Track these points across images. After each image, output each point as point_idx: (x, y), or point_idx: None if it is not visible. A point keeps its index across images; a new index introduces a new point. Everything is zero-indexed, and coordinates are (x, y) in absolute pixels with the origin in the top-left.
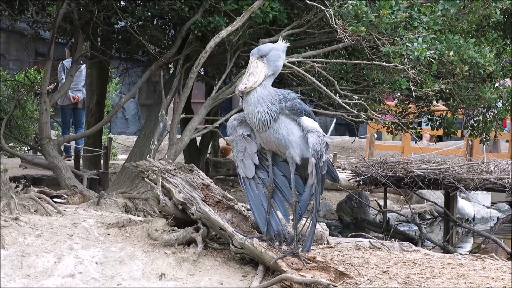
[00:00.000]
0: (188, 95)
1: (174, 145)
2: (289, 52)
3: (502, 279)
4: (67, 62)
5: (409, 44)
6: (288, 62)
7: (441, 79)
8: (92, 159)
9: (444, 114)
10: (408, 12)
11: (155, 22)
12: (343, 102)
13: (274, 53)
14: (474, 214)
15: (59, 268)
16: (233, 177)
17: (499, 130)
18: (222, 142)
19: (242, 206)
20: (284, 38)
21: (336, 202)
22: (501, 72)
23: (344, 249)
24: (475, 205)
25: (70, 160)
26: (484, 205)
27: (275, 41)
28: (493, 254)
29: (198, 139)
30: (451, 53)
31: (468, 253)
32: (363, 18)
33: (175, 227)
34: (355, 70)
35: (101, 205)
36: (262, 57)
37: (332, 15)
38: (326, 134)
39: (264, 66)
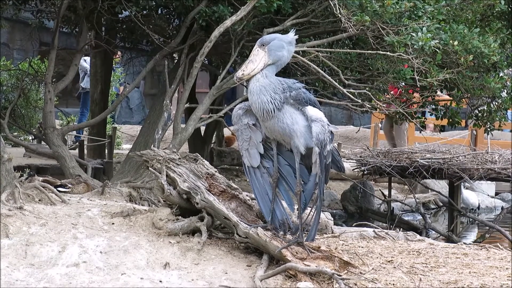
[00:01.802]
0: (192, 85)
1: (178, 134)
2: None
3: (507, 268)
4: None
5: (413, 34)
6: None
7: (445, 68)
8: (96, 149)
9: (449, 104)
10: (413, 1)
11: (159, 12)
12: (347, 91)
13: (276, 42)
14: (479, 204)
15: (63, 257)
16: (237, 167)
17: (503, 120)
18: (226, 132)
19: (247, 196)
20: (288, 27)
21: (341, 191)
22: (505, 62)
23: (348, 239)
24: (479, 195)
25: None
26: (488, 195)
27: (279, 31)
28: (498, 244)
29: (203, 128)
30: (456, 42)
31: (472, 242)
32: (367, 7)
33: (180, 217)
34: (360, 59)
35: (106, 194)
36: (263, 45)
37: (337, 4)
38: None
39: (264, 54)
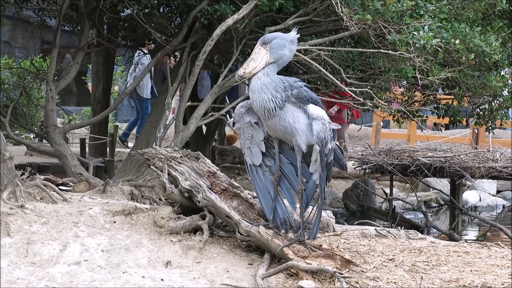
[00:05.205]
0: (194, 83)
1: (180, 133)
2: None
3: (508, 266)
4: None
5: (415, 33)
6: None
7: (447, 67)
8: (98, 147)
9: (450, 103)
10: (414, 0)
11: (161, 10)
12: (349, 90)
13: (277, 41)
14: (480, 199)
15: (64, 255)
16: (239, 165)
17: (504, 118)
18: (228, 130)
19: (248, 194)
20: (290, 26)
21: (342, 190)
22: (506, 61)
23: (350, 237)
24: (480, 193)
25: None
26: (489, 193)
27: (281, 30)
28: (499, 242)
29: (204, 127)
30: (457, 41)
31: (474, 241)
32: (369, 6)
33: (181, 215)
34: (361, 58)
35: (107, 192)
36: (265, 44)
37: (338, 3)
38: None
39: (266, 53)
